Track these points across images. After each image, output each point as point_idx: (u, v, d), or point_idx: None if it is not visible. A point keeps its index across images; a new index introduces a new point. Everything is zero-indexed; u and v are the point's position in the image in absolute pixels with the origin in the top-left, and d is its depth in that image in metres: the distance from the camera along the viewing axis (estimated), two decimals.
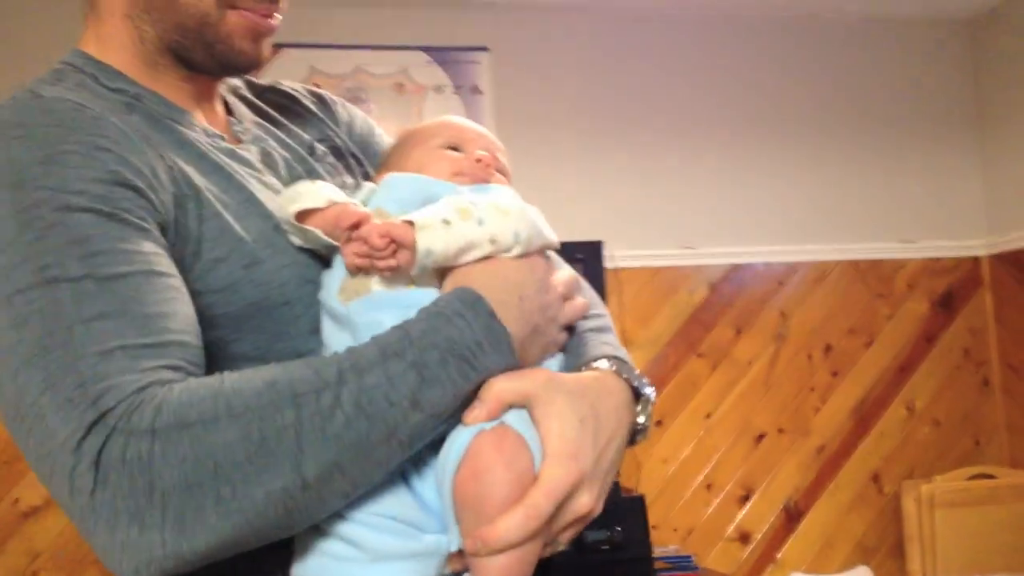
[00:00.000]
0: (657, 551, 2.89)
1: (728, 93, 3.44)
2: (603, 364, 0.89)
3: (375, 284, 0.85)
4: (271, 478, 0.71)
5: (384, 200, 0.91)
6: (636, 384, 0.90)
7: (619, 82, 3.35)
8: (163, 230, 0.82)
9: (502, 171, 0.99)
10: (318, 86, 1.16)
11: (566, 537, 0.83)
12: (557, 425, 0.80)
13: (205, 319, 0.83)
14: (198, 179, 0.87)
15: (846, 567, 3.32)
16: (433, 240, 0.83)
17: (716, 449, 3.30)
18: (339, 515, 0.79)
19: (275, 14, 0.95)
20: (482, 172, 0.97)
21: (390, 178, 0.95)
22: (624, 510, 2.66)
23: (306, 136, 1.07)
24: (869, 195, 3.52)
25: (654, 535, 2.95)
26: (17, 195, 0.76)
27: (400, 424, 0.75)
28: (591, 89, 3.33)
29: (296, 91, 1.13)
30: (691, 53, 3.43)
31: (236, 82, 1.08)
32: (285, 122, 1.07)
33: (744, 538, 3.28)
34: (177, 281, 0.79)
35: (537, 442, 0.80)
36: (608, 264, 3.09)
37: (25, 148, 0.79)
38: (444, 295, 0.81)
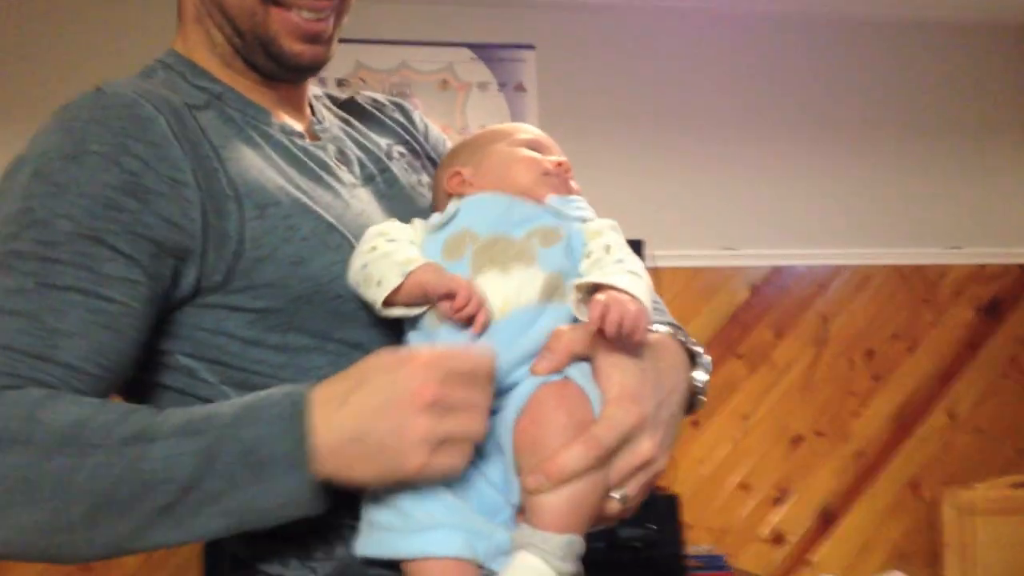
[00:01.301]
0: (690, 550, 2.90)
1: (773, 94, 3.42)
2: (661, 328, 0.92)
3: None
4: (31, 513, 0.74)
5: (473, 221, 0.91)
6: (693, 349, 0.94)
7: (663, 81, 3.35)
8: (173, 232, 0.84)
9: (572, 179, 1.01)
10: (364, 80, 1.19)
11: (633, 488, 0.83)
12: (618, 373, 0.83)
13: (254, 312, 0.86)
14: (253, 178, 0.90)
15: (881, 572, 3.29)
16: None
17: (753, 451, 3.29)
18: (390, 489, 0.80)
19: (324, 16, 0.96)
20: (566, 176, 0.98)
21: (477, 199, 0.95)
22: (658, 508, 2.67)
23: (384, 140, 1.11)
24: (916, 199, 3.48)
25: (688, 534, 2.95)
26: (31, 181, 0.83)
27: (175, 502, 0.75)
28: (634, 88, 3.33)
29: (377, 99, 1.18)
30: (737, 53, 3.41)
31: (318, 91, 1.12)
32: (363, 127, 1.11)
33: (778, 540, 3.27)
34: (118, 308, 0.81)
35: (598, 398, 0.82)
36: (648, 263, 3.09)
37: (59, 140, 0.85)
38: (279, 391, 0.78)
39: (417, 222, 0.96)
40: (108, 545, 0.76)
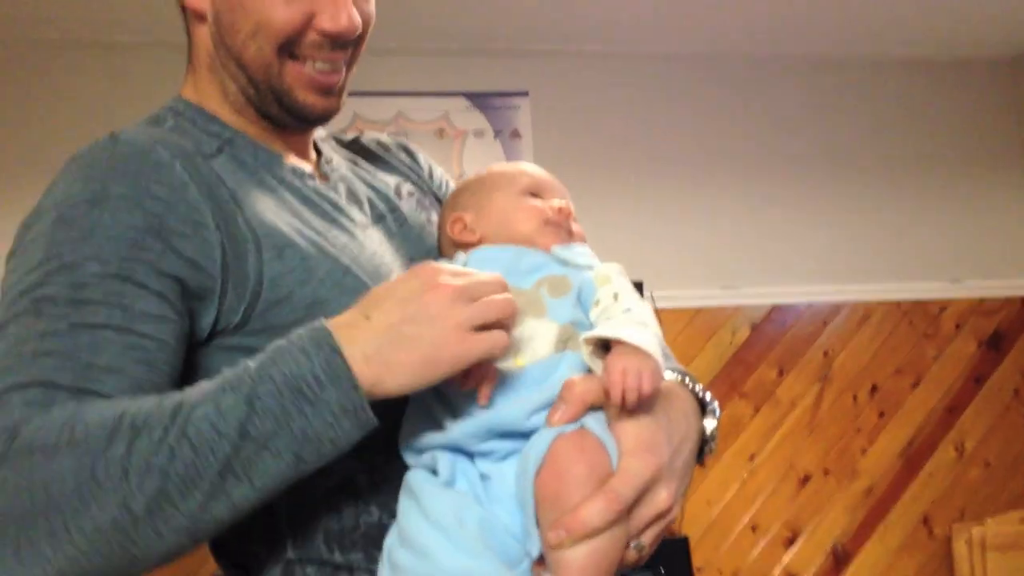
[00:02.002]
0: None
1: (769, 133, 3.45)
2: (669, 375, 0.92)
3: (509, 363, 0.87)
4: (99, 511, 0.72)
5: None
6: (702, 396, 0.94)
7: (657, 124, 3.38)
8: (195, 272, 0.85)
9: (575, 221, 1.02)
10: (361, 132, 1.21)
11: (648, 537, 0.83)
12: (633, 424, 0.83)
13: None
14: (269, 221, 0.91)
15: None
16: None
17: (761, 491, 3.26)
18: (415, 523, 0.80)
19: (337, 69, 0.98)
20: (566, 223, 0.99)
21: (484, 252, 0.96)
22: (668, 551, 2.64)
23: (391, 179, 1.12)
24: (915, 235, 3.49)
25: None
26: (55, 229, 0.84)
27: (232, 456, 0.74)
28: (629, 131, 3.36)
29: (382, 140, 1.20)
30: (730, 94, 3.45)
31: (323, 133, 1.13)
32: (370, 167, 1.12)
33: None
34: (152, 344, 0.82)
35: (614, 447, 0.81)
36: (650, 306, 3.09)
37: (81, 185, 0.85)
38: (295, 333, 0.79)
39: None
40: (179, 530, 0.73)
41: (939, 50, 3.52)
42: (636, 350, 0.81)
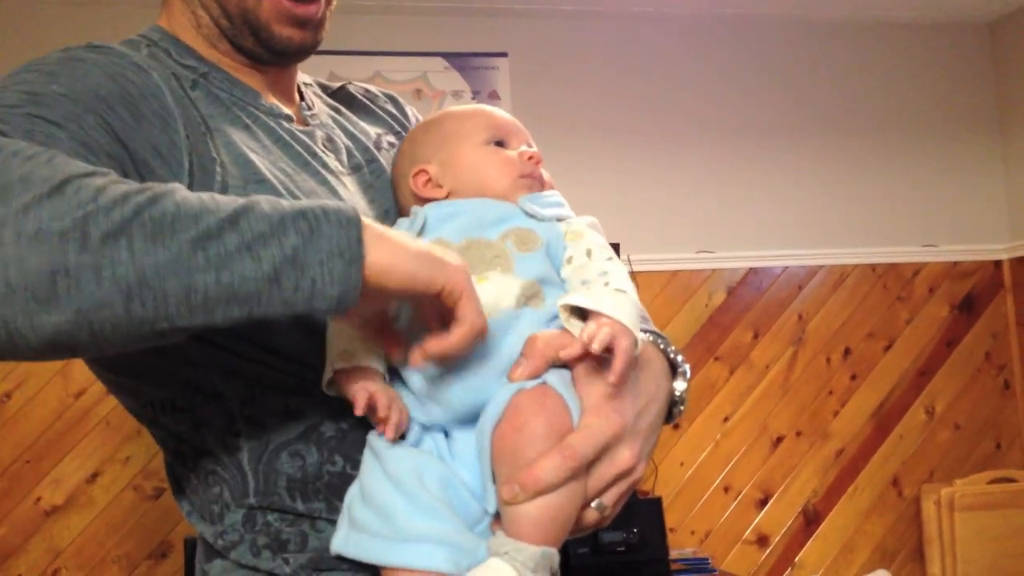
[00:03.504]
0: (674, 553, 2.90)
1: (745, 97, 3.44)
2: (641, 336, 0.91)
3: None
4: (55, 219, 0.63)
5: (444, 230, 0.89)
6: (673, 357, 0.93)
7: (636, 87, 3.36)
8: (160, 164, 0.82)
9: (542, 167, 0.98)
10: (349, 81, 1.18)
11: (610, 497, 0.82)
12: (597, 384, 0.81)
13: None
14: (241, 152, 0.89)
15: (865, 571, 3.31)
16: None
17: (734, 452, 3.30)
18: (377, 485, 0.79)
19: (315, 1, 0.95)
20: (538, 173, 0.95)
21: (441, 207, 0.92)
22: (641, 512, 2.67)
23: (374, 130, 1.09)
24: (889, 199, 3.51)
25: (671, 537, 2.96)
26: (22, 72, 0.82)
27: (210, 234, 0.67)
28: (608, 94, 3.34)
29: (370, 90, 1.17)
30: (708, 57, 3.43)
31: (308, 79, 1.10)
32: (352, 116, 1.10)
33: (762, 541, 3.28)
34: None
35: (577, 405, 0.80)
36: (625, 267, 3.10)
37: (56, 54, 0.84)
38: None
39: None
40: (117, 282, 0.64)
41: (916, 13, 3.51)
42: (614, 322, 0.80)
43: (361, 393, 0.81)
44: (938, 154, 3.57)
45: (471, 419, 0.83)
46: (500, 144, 0.96)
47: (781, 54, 3.49)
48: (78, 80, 0.81)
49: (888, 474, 3.40)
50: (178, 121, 0.85)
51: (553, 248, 0.90)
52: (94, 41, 0.88)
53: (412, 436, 0.84)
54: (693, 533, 3.22)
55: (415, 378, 0.84)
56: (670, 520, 3.01)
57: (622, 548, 2.57)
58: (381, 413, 0.81)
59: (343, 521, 0.83)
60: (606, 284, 0.85)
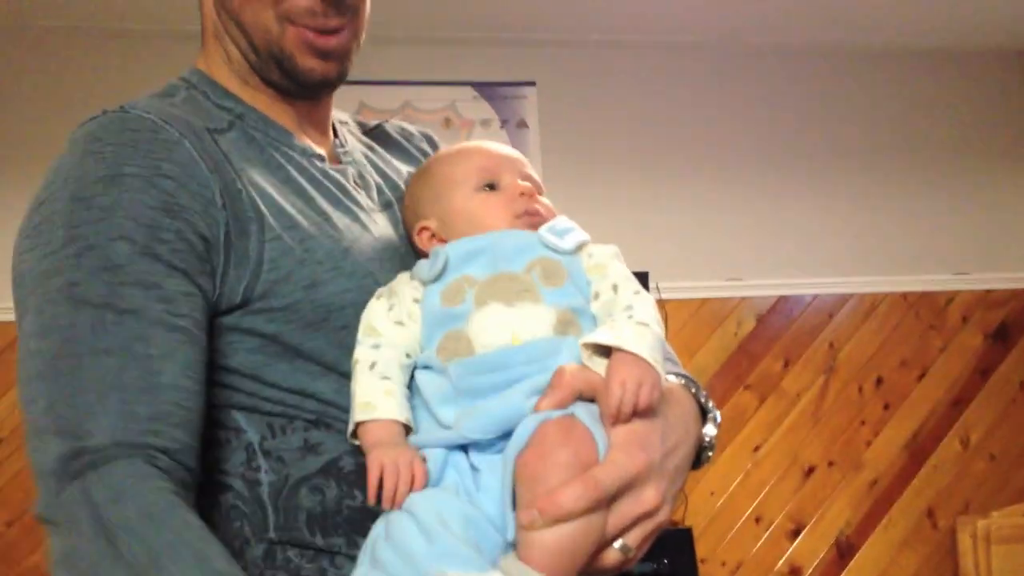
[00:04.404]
0: None
1: (776, 125, 3.44)
2: (672, 379, 0.90)
3: (478, 347, 0.85)
4: None
5: (469, 268, 0.89)
6: (703, 402, 0.92)
7: (663, 115, 3.37)
8: (207, 248, 0.85)
9: (540, 191, 0.98)
10: (388, 119, 1.20)
11: (634, 538, 0.81)
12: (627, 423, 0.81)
13: (264, 338, 0.87)
14: (273, 200, 0.90)
15: None
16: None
17: (765, 482, 3.26)
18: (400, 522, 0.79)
19: (337, 32, 0.96)
20: (533, 207, 0.95)
21: (466, 243, 0.92)
22: (671, 543, 2.65)
23: (406, 168, 1.11)
24: (922, 227, 3.48)
25: (702, 569, 2.93)
26: (74, 208, 0.83)
27: None
28: (636, 122, 3.35)
29: (406, 129, 1.18)
30: (738, 85, 3.44)
31: (345, 117, 1.12)
32: (386, 154, 1.11)
33: (794, 572, 3.23)
34: (189, 322, 0.83)
35: (604, 440, 0.79)
36: (654, 295, 3.08)
37: (93, 163, 0.85)
38: None
39: (405, 277, 0.92)
40: None
41: (947, 41, 3.50)
42: (636, 359, 0.79)
43: (374, 469, 0.82)
44: (969, 182, 3.55)
45: (498, 441, 0.82)
46: (491, 186, 0.96)
47: (811, 82, 3.49)
48: (128, 213, 0.83)
49: (922, 506, 3.35)
50: (214, 190, 0.87)
51: (578, 281, 0.90)
52: (126, 106, 0.90)
53: (433, 469, 0.83)
54: (724, 564, 3.18)
55: (445, 409, 0.84)
56: (701, 551, 2.98)
57: None
58: (387, 494, 0.81)
59: (364, 558, 0.82)
60: (629, 317, 0.84)
